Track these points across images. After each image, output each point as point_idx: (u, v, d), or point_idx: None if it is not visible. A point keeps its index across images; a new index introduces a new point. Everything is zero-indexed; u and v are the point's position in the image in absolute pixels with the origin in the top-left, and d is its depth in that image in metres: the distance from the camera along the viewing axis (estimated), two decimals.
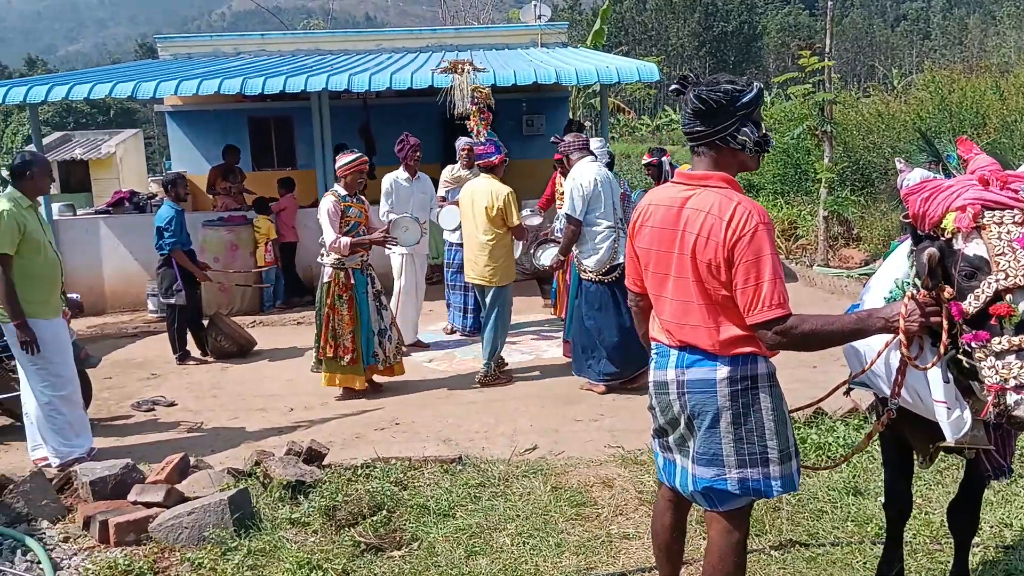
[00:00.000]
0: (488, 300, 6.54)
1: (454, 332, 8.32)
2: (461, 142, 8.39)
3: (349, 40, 14.81)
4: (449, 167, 8.53)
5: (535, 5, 16.69)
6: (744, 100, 2.49)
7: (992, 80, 12.23)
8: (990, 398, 2.28)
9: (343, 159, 6.37)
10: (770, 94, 47.91)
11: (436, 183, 8.31)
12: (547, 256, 6.68)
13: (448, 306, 8.39)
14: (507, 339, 6.89)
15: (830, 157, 9.97)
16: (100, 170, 18.05)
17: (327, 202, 6.28)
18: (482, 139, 8.44)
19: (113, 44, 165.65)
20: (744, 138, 2.52)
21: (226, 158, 11.34)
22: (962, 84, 12.16)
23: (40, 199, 5.23)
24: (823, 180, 10.03)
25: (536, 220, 8.05)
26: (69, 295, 5.40)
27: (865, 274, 9.87)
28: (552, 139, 6.93)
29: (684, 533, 2.96)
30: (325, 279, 6.41)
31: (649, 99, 41.47)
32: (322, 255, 6.46)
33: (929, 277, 2.46)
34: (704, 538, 2.98)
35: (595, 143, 6.92)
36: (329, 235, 6.24)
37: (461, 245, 7.16)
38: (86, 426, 5.25)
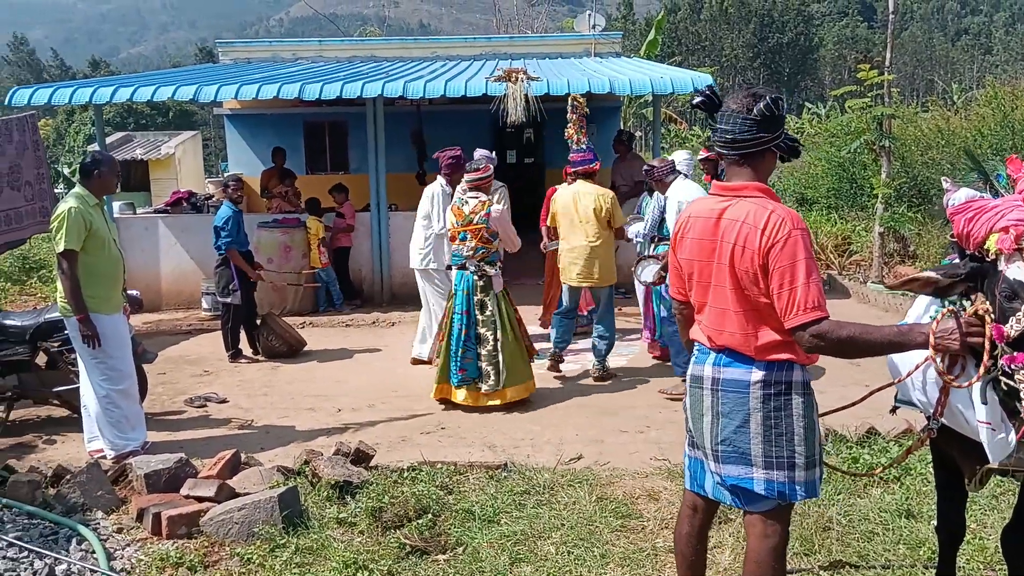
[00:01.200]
0: (602, 300, 6.83)
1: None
2: (479, 154, 7.00)
3: (405, 47, 15.00)
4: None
5: (589, 15, 16.70)
6: (784, 106, 2.60)
7: None
8: None
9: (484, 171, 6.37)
10: (825, 107, 47.12)
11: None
12: (648, 273, 6.65)
13: None
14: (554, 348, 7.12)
15: (888, 172, 9.79)
16: (159, 170, 18.52)
17: (499, 208, 6.25)
18: (582, 146, 8.25)
19: (173, 48, 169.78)
20: (787, 142, 2.65)
21: (274, 160, 11.56)
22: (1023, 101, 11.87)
23: (105, 197, 5.38)
24: (880, 195, 9.85)
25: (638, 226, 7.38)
26: (129, 292, 5.56)
27: None
28: (644, 167, 7.08)
29: (705, 543, 2.99)
30: (499, 287, 6.26)
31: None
32: (484, 265, 6.20)
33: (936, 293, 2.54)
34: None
35: (681, 155, 7.15)
36: (517, 238, 6.42)
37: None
38: (142, 420, 5.38)
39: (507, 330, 6.14)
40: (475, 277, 6.16)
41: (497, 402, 6.05)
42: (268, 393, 6.83)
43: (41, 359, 6.05)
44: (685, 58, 58.62)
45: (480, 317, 6.15)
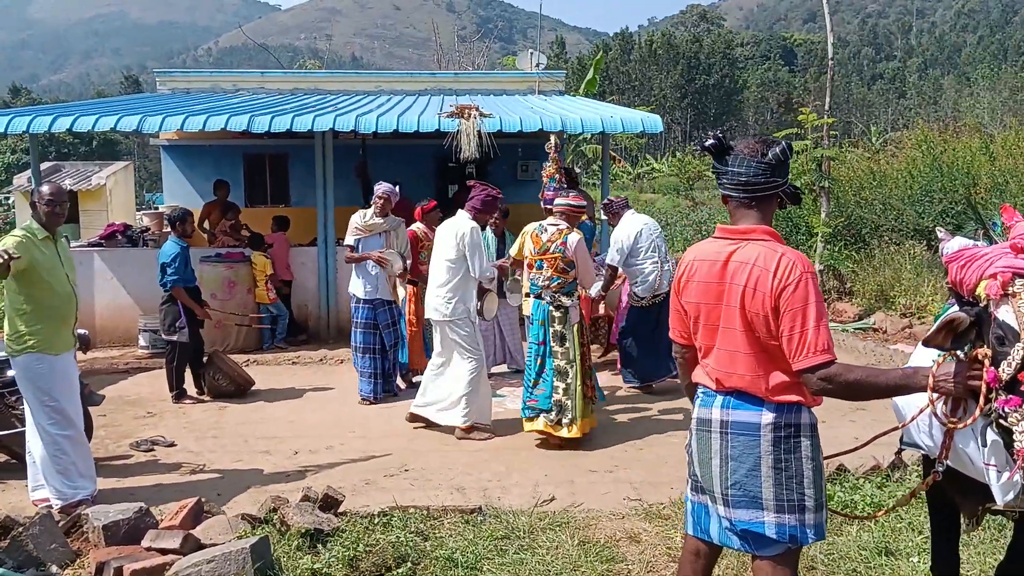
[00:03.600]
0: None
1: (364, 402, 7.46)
2: (381, 188, 7.42)
3: (348, 80, 14.90)
4: (361, 213, 7.50)
5: (532, 53, 16.93)
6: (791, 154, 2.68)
7: (982, 141, 12.50)
8: (1018, 461, 2.32)
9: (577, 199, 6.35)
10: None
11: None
12: (594, 288, 7.21)
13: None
14: (502, 388, 7.77)
15: (827, 212, 10.09)
16: (89, 202, 17.89)
17: (576, 238, 6.12)
18: (561, 184, 8.31)
19: (97, 75, 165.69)
20: (791, 188, 2.73)
21: (217, 192, 11.30)
22: (952, 144, 12.42)
23: (60, 230, 5.14)
24: (820, 234, 10.13)
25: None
26: (78, 330, 5.28)
27: (860, 328, 9.95)
28: (604, 201, 8.13)
29: None
30: (576, 319, 6.15)
31: (637, 147, 42.02)
32: (560, 295, 6.12)
33: (952, 340, 2.55)
34: None
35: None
36: (593, 274, 6.47)
37: (369, 301, 7.44)
38: (91, 467, 5.10)
39: (580, 363, 6.06)
40: (551, 307, 6.07)
41: (576, 435, 5.92)
42: (218, 435, 6.58)
43: None
44: (617, 97, 59.89)
45: (558, 349, 6.03)
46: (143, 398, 7.84)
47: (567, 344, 6.01)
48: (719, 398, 2.70)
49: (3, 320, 4.93)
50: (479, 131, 9.35)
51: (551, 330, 6.05)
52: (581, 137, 20.64)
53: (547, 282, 6.06)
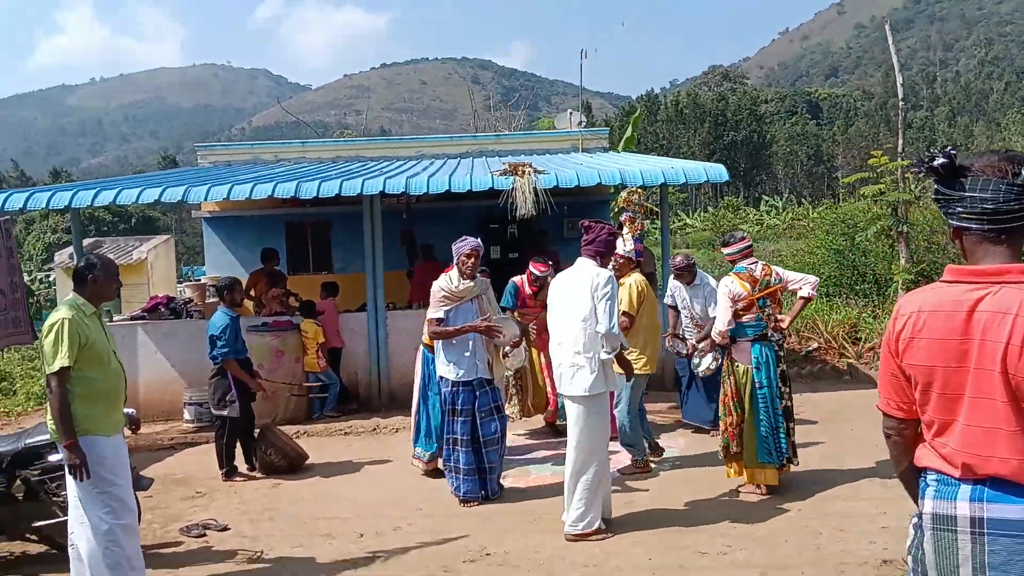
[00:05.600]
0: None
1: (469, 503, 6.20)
2: (468, 244, 6.21)
3: (389, 147, 14.73)
4: (447, 277, 6.22)
5: (570, 113, 16.74)
6: None
7: None
8: None
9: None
10: (782, 199, 48.06)
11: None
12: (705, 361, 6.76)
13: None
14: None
15: (907, 257, 9.50)
16: (130, 275, 17.77)
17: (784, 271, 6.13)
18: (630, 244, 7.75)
19: (135, 157, 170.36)
20: None
21: (265, 262, 10.98)
22: None
23: (104, 305, 4.74)
24: (899, 281, 9.53)
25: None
26: (126, 410, 4.85)
27: None
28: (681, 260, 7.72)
29: None
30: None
31: (677, 202, 41.73)
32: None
33: None
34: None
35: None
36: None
37: (467, 384, 6.16)
38: (141, 560, 4.58)
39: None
40: (775, 347, 5.88)
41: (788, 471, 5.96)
42: (274, 517, 6.06)
43: (19, 489, 5.23)
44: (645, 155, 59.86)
45: (784, 389, 5.86)
46: (191, 476, 7.36)
47: (788, 382, 5.94)
48: (967, 488, 2.11)
49: (46, 402, 4.49)
50: (535, 188, 8.97)
51: (776, 370, 5.86)
52: (622, 194, 20.36)
53: (769, 320, 5.90)
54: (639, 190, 8.45)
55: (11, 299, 8.19)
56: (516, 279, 8.10)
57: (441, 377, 6.23)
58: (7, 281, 8.23)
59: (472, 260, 6.05)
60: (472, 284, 6.09)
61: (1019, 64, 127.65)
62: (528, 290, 8.01)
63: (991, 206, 2.09)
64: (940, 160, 2.17)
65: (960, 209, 2.15)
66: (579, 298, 5.20)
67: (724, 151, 77.52)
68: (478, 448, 6.09)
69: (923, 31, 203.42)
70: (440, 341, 6.14)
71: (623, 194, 8.18)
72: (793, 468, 6.05)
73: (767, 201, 46.87)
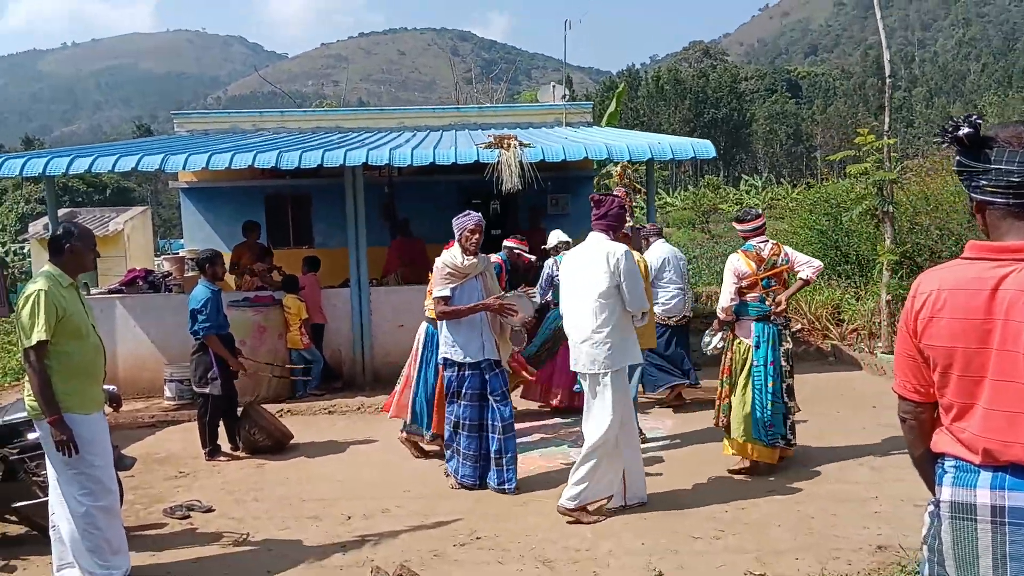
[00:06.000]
0: None
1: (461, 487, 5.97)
2: (472, 219, 5.85)
3: (371, 118, 14.49)
4: (450, 253, 5.93)
5: (553, 86, 16.54)
6: None
7: None
8: None
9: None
10: (761, 179, 48.15)
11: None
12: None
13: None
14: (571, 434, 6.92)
15: (892, 238, 9.49)
16: (107, 248, 17.42)
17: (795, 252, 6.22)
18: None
19: (108, 126, 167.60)
20: None
21: (247, 235, 10.77)
22: None
23: (81, 276, 4.58)
24: (884, 262, 9.52)
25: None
26: (106, 386, 4.70)
27: None
28: (637, 227, 7.45)
29: None
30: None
31: (659, 180, 41.70)
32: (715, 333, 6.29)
33: None
34: None
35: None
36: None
37: (474, 365, 5.88)
38: (123, 542, 4.48)
39: None
40: (779, 326, 5.93)
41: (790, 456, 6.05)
42: (259, 498, 5.95)
43: None
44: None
45: (787, 368, 5.94)
46: (174, 455, 7.23)
47: (791, 362, 6.03)
48: (987, 475, 2.03)
49: (24, 378, 4.34)
50: (520, 161, 8.83)
51: (780, 350, 5.91)
52: (605, 170, 20.22)
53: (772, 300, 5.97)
54: (630, 165, 8.37)
55: None
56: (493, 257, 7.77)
57: (445, 359, 5.88)
58: None
59: (476, 236, 5.75)
60: (476, 261, 5.81)
61: (996, 45, 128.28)
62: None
63: (1017, 179, 2.00)
64: (965, 129, 2.07)
65: (984, 182, 2.06)
66: (596, 273, 5.07)
67: (704, 129, 77.41)
68: (483, 434, 5.82)
69: (902, 10, 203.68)
70: (445, 321, 5.82)
71: (617, 169, 8.09)
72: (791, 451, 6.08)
73: (747, 180, 46.91)
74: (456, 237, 5.83)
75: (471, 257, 5.77)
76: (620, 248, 5.11)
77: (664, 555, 4.47)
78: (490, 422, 5.80)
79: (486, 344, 5.77)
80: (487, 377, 5.78)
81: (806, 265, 6.15)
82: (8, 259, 20.11)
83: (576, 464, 5.12)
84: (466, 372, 5.78)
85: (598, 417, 5.07)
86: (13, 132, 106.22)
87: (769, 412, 5.79)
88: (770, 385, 5.82)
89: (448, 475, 6.03)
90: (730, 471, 5.95)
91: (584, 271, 5.18)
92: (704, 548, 4.57)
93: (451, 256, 5.82)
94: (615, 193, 7.20)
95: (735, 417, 5.92)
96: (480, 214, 5.90)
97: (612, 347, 5.03)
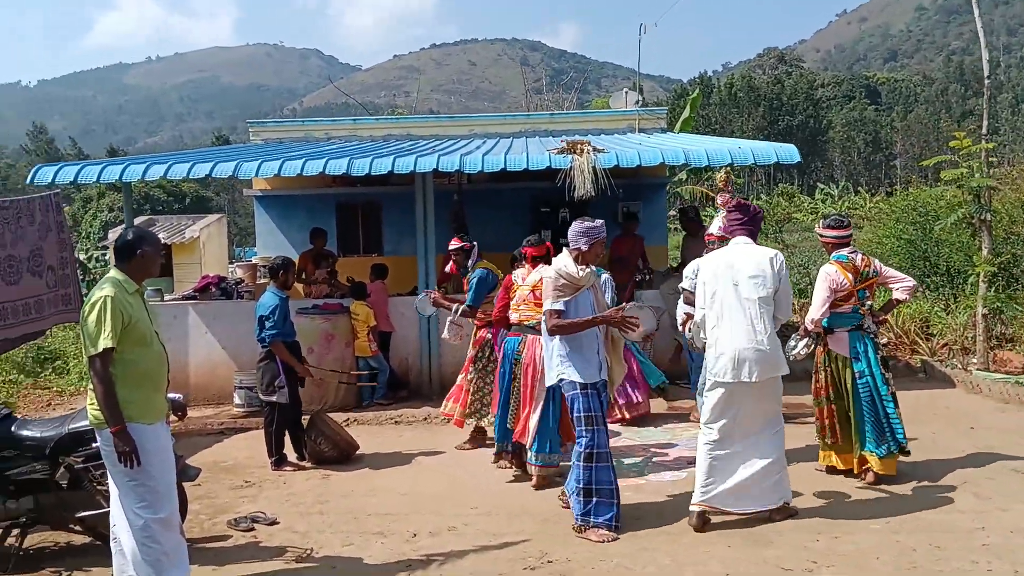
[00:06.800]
0: None
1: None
2: (585, 225, 5.33)
3: (440, 125, 14.44)
4: (563, 262, 5.32)
5: (626, 92, 16.24)
6: None
7: None
8: None
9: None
10: (837, 187, 46.72)
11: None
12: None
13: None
14: (650, 452, 6.49)
15: (990, 248, 8.90)
16: (182, 255, 17.83)
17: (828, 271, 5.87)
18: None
19: (189, 137, 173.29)
20: None
21: (314, 241, 10.77)
22: None
23: (155, 284, 4.49)
24: (981, 274, 8.93)
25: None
26: (170, 395, 4.61)
27: None
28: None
29: None
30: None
31: (739, 186, 40.90)
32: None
33: None
34: None
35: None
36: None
37: (593, 386, 5.28)
38: (184, 556, 4.35)
39: None
40: (872, 335, 5.85)
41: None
42: (324, 511, 5.80)
43: (63, 476, 5.03)
44: None
45: (888, 376, 5.84)
46: (240, 464, 7.17)
47: (890, 369, 5.95)
48: None
49: (88, 385, 4.26)
50: (593, 167, 8.55)
51: (878, 357, 5.80)
52: (677, 178, 19.77)
53: (868, 310, 5.85)
54: (728, 170, 8.00)
55: (60, 275, 8.10)
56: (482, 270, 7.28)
57: (561, 379, 5.19)
58: (57, 257, 8.13)
59: (593, 245, 5.21)
60: (590, 271, 5.26)
61: None
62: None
63: None
64: None
65: None
66: (761, 280, 5.01)
67: (779, 136, 75.65)
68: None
69: (987, 14, 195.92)
70: (558, 337, 5.20)
71: (720, 174, 7.73)
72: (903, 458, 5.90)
73: (822, 189, 45.63)
74: (578, 246, 5.21)
75: (584, 268, 5.24)
76: (779, 253, 5.13)
77: None
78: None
79: (602, 363, 5.28)
80: (603, 399, 5.23)
81: (900, 283, 5.97)
82: (90, 265, 20.79)
83: (711, 466, 5.03)
84: (589, 392, 5.12)
85: (772, 419, 5.12)
86: (99, 143, 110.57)
87: (888, 420, 5.72)
88: (881, 393, 5.75)
89: (585, 529, 5.03)
90: (865, 478, 5.80)
91: (743, 276, 5.04)
92: None
93: (564, 265, 5.23)
94: (718, 198, 6.96)
95: (853, 433, 5.83)
96: (592, 221, 5.37)
97: (779, 353, 5.06)
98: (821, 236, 6.04)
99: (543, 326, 5.28)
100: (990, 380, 8.59)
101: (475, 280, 7.15)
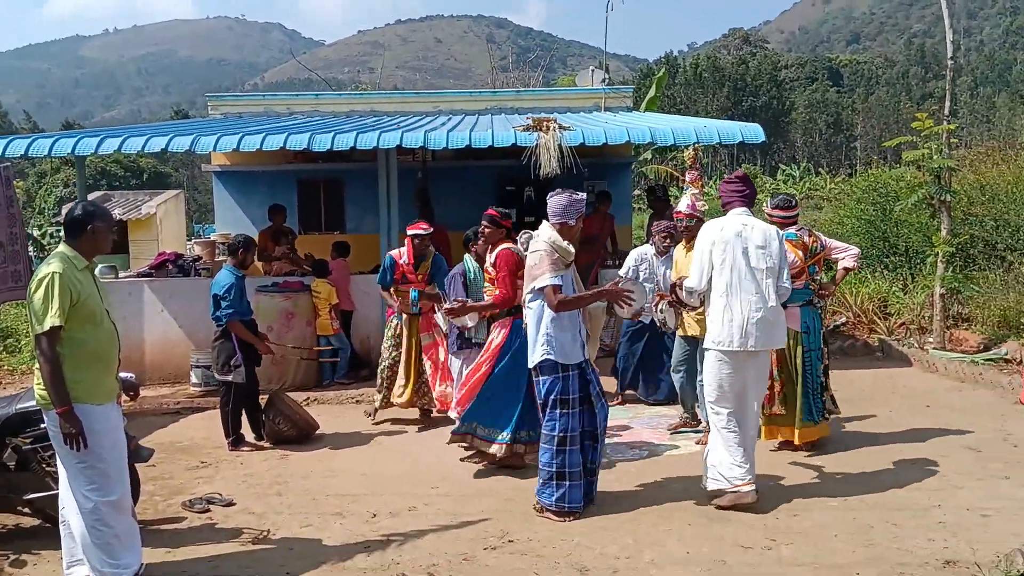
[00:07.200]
0: None
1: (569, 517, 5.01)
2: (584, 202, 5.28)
3: (405, 101, 14.21)
4: (553, 234, 5.15)
5: (592, 70, 16.16)
6: None
7: None
8: None
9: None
10: (799, 168, 47.15)
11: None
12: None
13: None
14: (610, 433, 6.00)
15: (948, 228, 9.00)
16: (139, 231, 17.43)
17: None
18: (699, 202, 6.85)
19: (148, 111, 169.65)
20: None
21: (273, 218, 10.60)
22: None
23: (108, 260, 4.34)
24: (940, 254, 9.04)
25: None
26: (122, 375, 4.47)
27: (991, 360, 8.80)
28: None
29: None
30: None
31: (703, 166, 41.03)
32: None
33: None
34: None
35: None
36: None
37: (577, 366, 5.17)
38: (136, 538, 4.25)
39: None
40: (820, 309, 6.12)
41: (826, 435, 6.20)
42: (282, 492, 5.71)
43: (11, 457, 4.87)
44: None
45: (825, 350, 6.16)
46: (196, 444, 7.04)
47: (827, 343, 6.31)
48: None
49: (35, 363, 4.12)
50: (559, 145, 8.49)
51: (823, 333, 6.15)
52: (642, 157, 19.77)
53: (817, 285, 6.13)
54: (696, 148, 7.97)
55: (10, 251, 7.85)
56: (393, 252, 7.43)
57: (545, 362, 4.95)
58: (6, 232, 7.88)
59: (581, 223, 5.14)
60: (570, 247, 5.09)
61: None
62: (407, 261, 7.29)
63: None
64: None
65: None
66: (768, 251, 5.04)
67: (743, 117, 75.87)
68: (584, 443, 5.08)
69: None
70: (549, 316, 4.95)
71: (689, 151, 7.69)
72: (835, 416, 6.43)
73: (784, 170, 46.06)
74: (565, 219, 5.00)
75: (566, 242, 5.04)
76: (773, 227, 5.27)
77: (712, 566, 4.13)
78: (588, 429, 5.08)
79: (584, 342, 5.13)
80: (589, 377, 5.10)
81: (845, 253, 6.27)
82: (44, 241, 20.26)
83: (738, 443, 4.98)
84: (571, 375, 4.97)
85: (760, 393, 5.24)
86: (55, 117, 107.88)
87: (818, 392, 6.03)
88: (820, 367, 6.04)
89: (544, 511, 4.98)
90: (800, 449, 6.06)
91: (752, 245, 5.04)
92: (755, 559, 4.22)
93: (555, 238, 4.97)
94: (687, 176, 6.99)
95: (792, 405, 5.98)
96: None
97: (783, 325, 5.18)
98: (769, 215, 6.04)
99: (534, 305, 5.00)
100: (946, 359, 8.74)
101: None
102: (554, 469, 4.92)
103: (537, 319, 5.00)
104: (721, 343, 4.98)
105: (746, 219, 5.16)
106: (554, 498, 4.92)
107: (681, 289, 5.45)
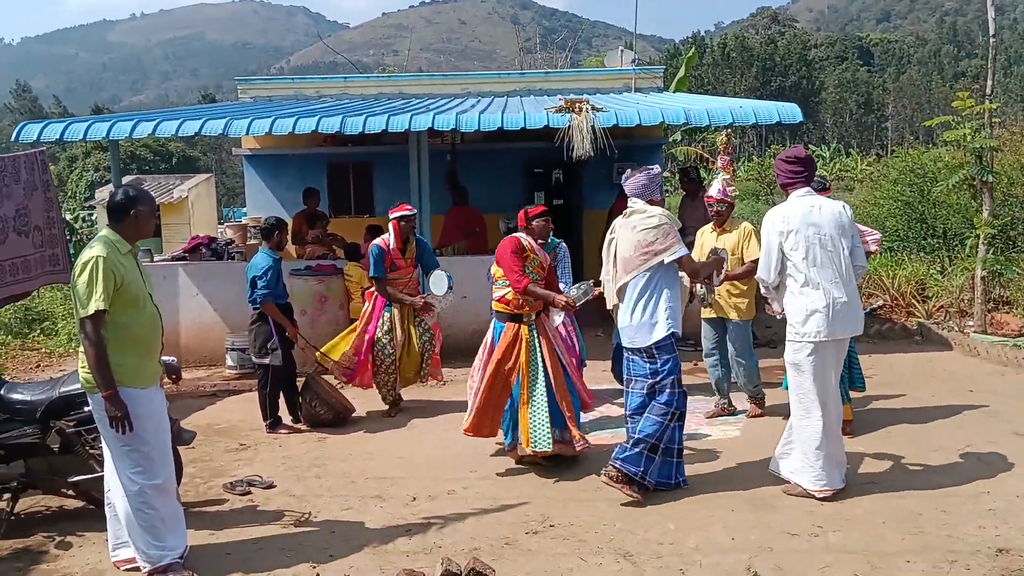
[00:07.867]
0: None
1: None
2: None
3: (433, 83, 14.15)
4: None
5: (621, 50, 15.95)
6: None
7: None
8: None
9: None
10: (829, 149, 46.49)
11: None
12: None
13: None
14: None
15: (990, 210, 8.81)
16: (170, 215, 17.58)
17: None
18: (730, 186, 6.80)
19: (175, 95, 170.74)
20: None
21: (307, 201, 10.61)
22: None
23: (145, 244, 4.36)
24: (981, 236, 8.86)
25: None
26: (164, 358, 4.50)
27: None
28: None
29: None
30: None
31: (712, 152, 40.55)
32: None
33: None
34: None
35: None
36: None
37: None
38: (180, 521, 4.28)
39: None
40: None
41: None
42: (321, 475, 5.73)
43: (55, 440, 4.92)
44: None
45: None
46: (235, 426, 7.08)
47: None
48: None
49: (79, 347, 4.14)
50: (592, 127, 8.39)
51: None
52: (672, 138, 19.56)
53: None
54: (729, 132, 7.85)
55: (48, 235, 7.91)
56: (377, 241, 7.16)
57: (665, 340, 5.00)
58: (44, 216, 7.93)
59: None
60: None
61: None
62: (395, 246, 7.11)
63: None
64: None
65: None
66: (841, 232, 4.86)
67: (771, 97, 74.63)
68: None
69: None
70: (670, 289, 5.09)
71: (721, 136, 7.57)
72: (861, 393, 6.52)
73: (813, 151, 45.47)
74: (653, 195, 5.11)
75: None
76: (846, 204, 5.04)
77: (758, 553, 4.08)
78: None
79: None
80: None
81: (869, 237, 6.18)
82: (76, 225, 20.50)
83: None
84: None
85: (839, 375, 5.03)
86: (83, 102, 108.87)
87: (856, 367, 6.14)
88: (854, 344, 5.85)
89: (621, 481, 4.90)
90: None
91: (826, 229, 4.84)
92: (803, 546, 4.16)
93: (665, 211, 5.17)
94: (718, 161, 6.85)
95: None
96: None
97: (861, 308, 5.07)
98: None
99: (643, 281, 4.95)
100: (988, 343, 8.57)
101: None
102: (653, 441, 4.88)
103: (656, 295, 4.95)
104: (807, 334, 4.80)
105: (812, 200, 4.94)
106: (641, 468, 4.86)
107: (719, 281, 5.59)
